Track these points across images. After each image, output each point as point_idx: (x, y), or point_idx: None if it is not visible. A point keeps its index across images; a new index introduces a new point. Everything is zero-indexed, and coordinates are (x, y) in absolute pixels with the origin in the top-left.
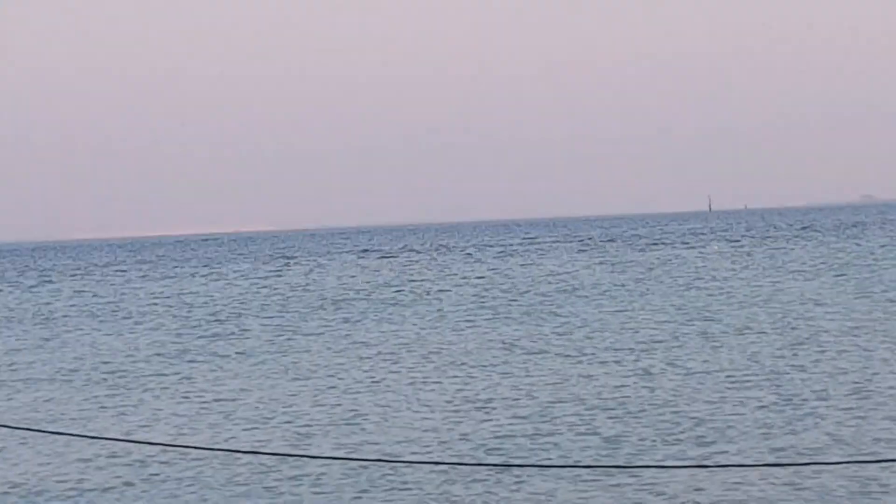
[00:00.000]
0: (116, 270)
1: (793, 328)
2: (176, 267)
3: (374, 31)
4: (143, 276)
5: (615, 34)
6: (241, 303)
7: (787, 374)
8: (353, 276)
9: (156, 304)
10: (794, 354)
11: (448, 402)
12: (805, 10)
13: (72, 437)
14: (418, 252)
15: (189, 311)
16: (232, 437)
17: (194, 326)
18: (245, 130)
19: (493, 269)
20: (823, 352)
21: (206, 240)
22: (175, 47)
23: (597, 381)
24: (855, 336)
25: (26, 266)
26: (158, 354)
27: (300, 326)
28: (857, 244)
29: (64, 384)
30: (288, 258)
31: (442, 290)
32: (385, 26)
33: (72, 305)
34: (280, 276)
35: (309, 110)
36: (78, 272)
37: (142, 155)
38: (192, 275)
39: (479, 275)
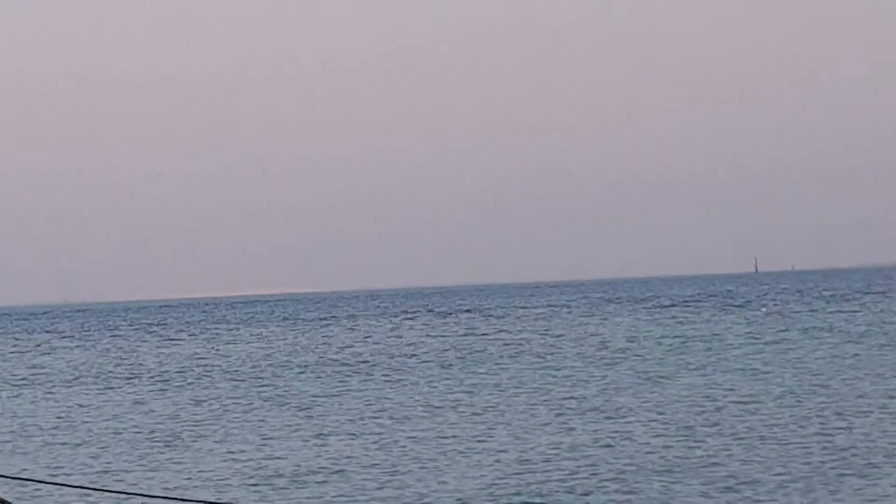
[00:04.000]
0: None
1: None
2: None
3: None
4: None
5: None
6: (280, 364)
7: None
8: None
9: (196, 363)
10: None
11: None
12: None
13: (120, 495)
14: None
15: (229, 371)
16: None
17: (234, 386)
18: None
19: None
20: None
21: (246, 302)
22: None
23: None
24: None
25: (83, 325)
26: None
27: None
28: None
29: (114, 442)
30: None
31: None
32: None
33: (117, 366)
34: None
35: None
36: (118, 334)
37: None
38: (231, 336)
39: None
